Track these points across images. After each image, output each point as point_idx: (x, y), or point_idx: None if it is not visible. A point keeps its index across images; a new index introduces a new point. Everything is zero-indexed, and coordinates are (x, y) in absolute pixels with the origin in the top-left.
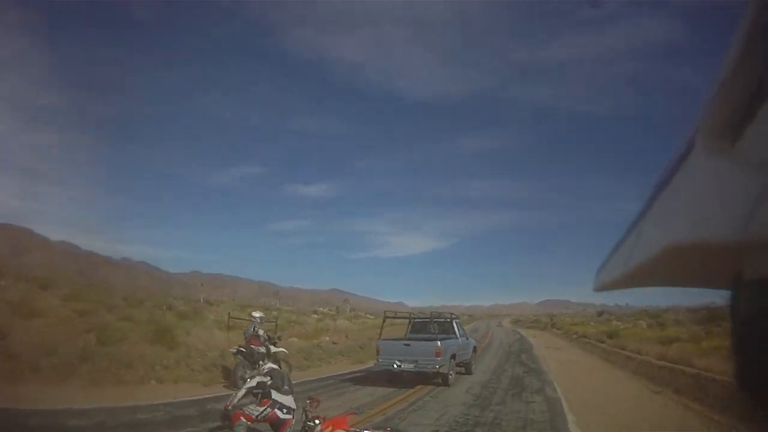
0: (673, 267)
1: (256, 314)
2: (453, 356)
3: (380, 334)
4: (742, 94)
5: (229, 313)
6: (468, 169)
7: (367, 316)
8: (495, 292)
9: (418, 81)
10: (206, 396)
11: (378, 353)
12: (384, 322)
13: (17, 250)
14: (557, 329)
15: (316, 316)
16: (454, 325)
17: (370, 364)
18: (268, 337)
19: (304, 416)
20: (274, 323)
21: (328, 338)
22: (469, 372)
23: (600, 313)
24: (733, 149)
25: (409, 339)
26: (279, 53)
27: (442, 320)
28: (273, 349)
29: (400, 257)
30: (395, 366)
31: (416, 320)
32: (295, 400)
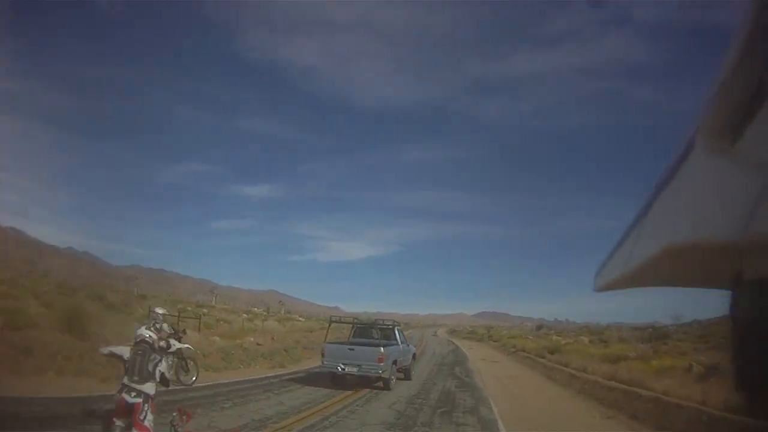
0: (673, 267)
1: (159, 310)
2: (395, 362)
3: (326, 338)
4: (742, 94)
5: (149, 307)
6: (412, 178)
7: (299, 318)
8: (432, 301)
9: (369, 89)
10: (99, 393)
11: (323, 356)
12: (330, 326)
13: None
14: (494, 341)
15: (246, 315)
16: (396, 331)
17: (292, 368)
18: (174, 332)
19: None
20: (177, 317)
21: (252, 339)
22: (408, 378)
23: (539, 327)
24: (733, 149)
25: (353, 344)
26: (232, 52)
27: (384, 326)
28: (176, 344)
29: (339, 262)
30: (339, 369)
31: (359, 325)
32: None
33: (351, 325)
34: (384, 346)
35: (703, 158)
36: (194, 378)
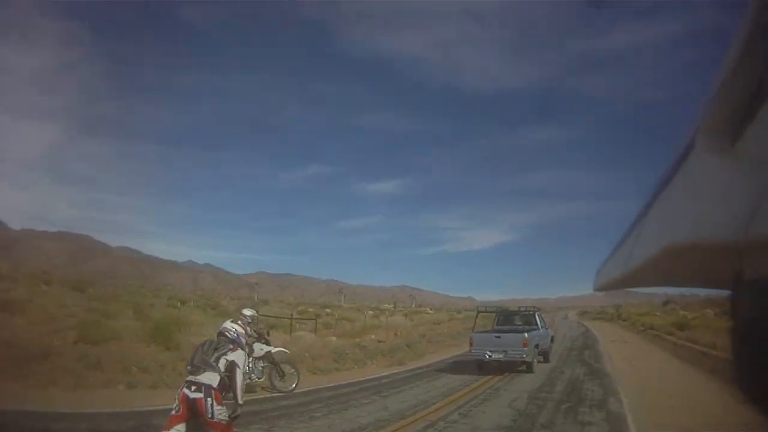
0: (673, 267)
1: (247, 312)
2: (536, 345)
3: (473, 328)
4: (743, 94)
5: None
6: (533, 160)
7: (428, 311)
8: (562, 284)
9: (476, 74)
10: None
11: (471, 345)
12: (477, 316)
13: (77, 257)
14: (623, 320)
15: (371, 312)
16: (536, 317)
17: (412, 365)
18: (258, 335)
19: None
20: (264, 321)
21: (374, 336)
22: (546, 360)
23: (665, 303)
24: (733, 149)
25: (498, 331)
26: (338, 52)
27: (526, 312)
28: (263, 348)
29: (469, 252)
30: (487, 356)
31: (502, 314)
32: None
33: (494, 314)
34: (527, 332)
35: (703, 158)
36: (294, 384)
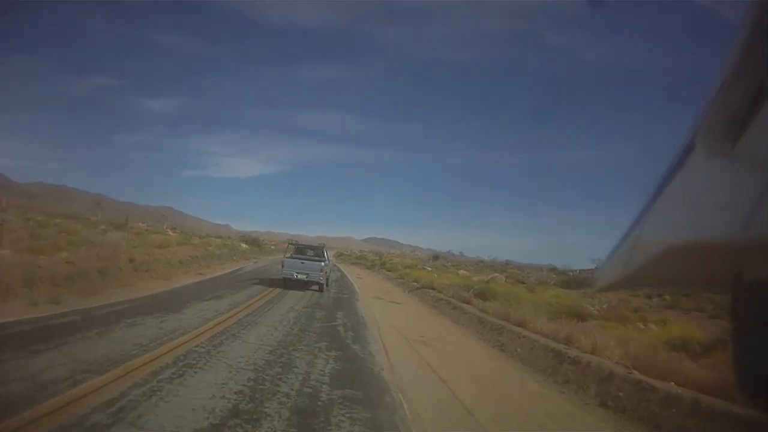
0: (673, 267)
1: None
2: (326, 272)
3: (284, 254)
4: (743, 95)
5: None
6: (308, 99)
7: (168, 232)
8: (320, 223)
9: (277, 7)
10: None
11: (283, 267)
12: (287, 247)
13: None
14: (388, 271)
15: (104, 227)
16: (325, 251)
17: (76, 303)
18: None
19: None
20: None
21: (66, 254)
22: (327, 285)
23: (435, 257)
24: (733, 150)
25: (302, 259)
26: None
27: (317, 247)
28: None
29: (231, 179)
30: (294, 276)
31: (298, 245)
32: None
33: (289, 245)
34: (322, 261)
35: (703, 158)
36: None
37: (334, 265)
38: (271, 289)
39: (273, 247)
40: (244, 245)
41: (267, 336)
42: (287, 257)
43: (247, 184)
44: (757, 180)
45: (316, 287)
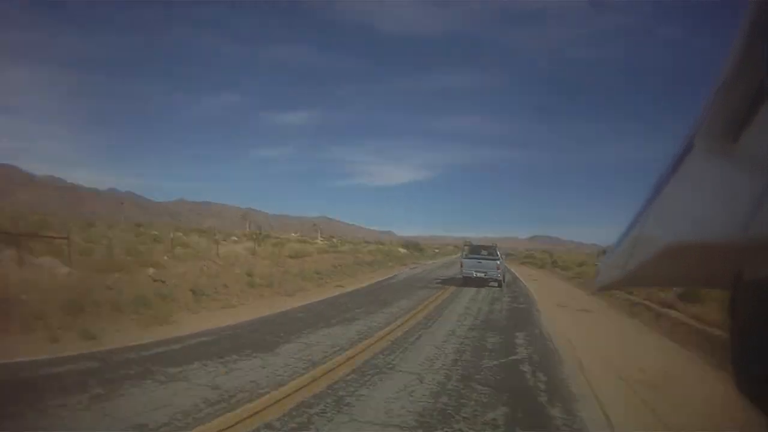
0: (673, 267)
1: None
2: (502, 269)
3: (461, 254)
4: (743, 95)
5: None
6: (450, 104)
7: (317, 240)
8: (483, 225)
9: (396, 16)
10: None
11: (462, 267)
12: (464, 246)
13: (4, 189)
14: (562, 270)
15: (235, 239)
16: (497, 250)
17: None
18: None
19: None
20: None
21: (152, 271)
22: (503, 281)
23: (603, 252)
24: (733, 149)
25: (479, 258)
26: None
27: (489, 246)
28: None
29: (385, 186)
30: (474, 274)
31: (472, 246)
32: None
33: (464, 246)
34: (498, 260)
35: (703, 158)
36: None
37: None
38: (425, 303)
39: (436, 251)
40: (402, 250)
41: (401, 399)
42: (464, 257)
43: (403, 190)
44: (757, 180)
45: (495, 284)
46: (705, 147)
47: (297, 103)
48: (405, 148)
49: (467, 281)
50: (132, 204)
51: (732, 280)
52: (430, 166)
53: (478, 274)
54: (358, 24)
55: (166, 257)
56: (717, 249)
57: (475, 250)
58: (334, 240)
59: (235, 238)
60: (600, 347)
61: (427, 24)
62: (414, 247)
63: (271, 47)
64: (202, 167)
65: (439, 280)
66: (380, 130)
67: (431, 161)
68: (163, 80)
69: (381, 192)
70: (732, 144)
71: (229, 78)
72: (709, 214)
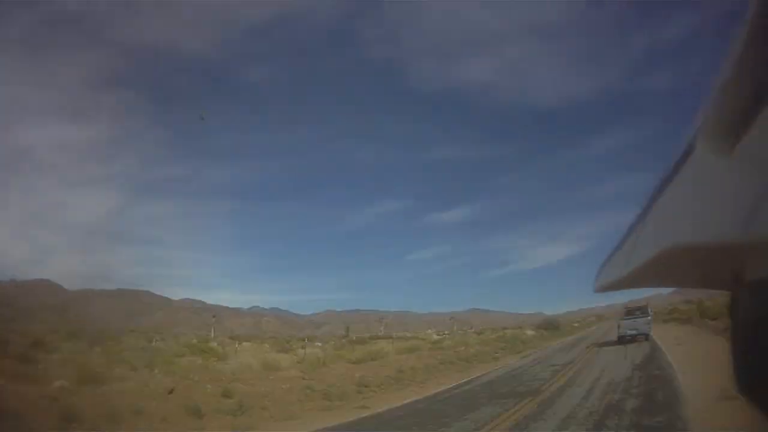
0: (673, 267)
1: None
2: (650, 324)
3: (620, 319)
4: (743, 95)
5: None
6: (600, 168)
7: (433, 335)
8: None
9: (541, 91)
10: None
11: (619, 327)
12: (624, 313)
13: (134, 311)
14: (713, 320)
15: (319, 344)
16: (648, 309)
17: None
18: None
19: None
20: None
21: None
22: (647, 337)
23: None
24: (734, 150)
25: (633, 318)
26: (404, 89)
27: (641, 306)
28: None
29: (537, 268)
30: (628, 333)
31: (628, 308)
32: None
33: (624, 308)
34: (648, 316)
35: (703, 159)
36: None
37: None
38: None
39: (575, 325)
40: (528, 332)
41: None
42: (622, 320)
43: (556, 268)
44: (757, 180)
45: (643, 337)
46: (705, 147)
47: (451, 200)
48: (560, 224)
49: (622, 340)
50: (274, 318)
51: (732, 281)
52: (585, 237)
53: (631, 332)
54: (509, 104)
55: None
56: (717, 249)
57: (630, 312)
58: (446, 333)
59: (319, 344)
60: None
61: (574, 89)
62: (548, 325)
63: (426, 149)
64: (350, 276)
65: (524, 384)
66: (533, 212)
67: (585, 233)
68: (309, 198)
69: (534, 274)
70: (732, 144)
71: (384, 186)
72: (710, 215)
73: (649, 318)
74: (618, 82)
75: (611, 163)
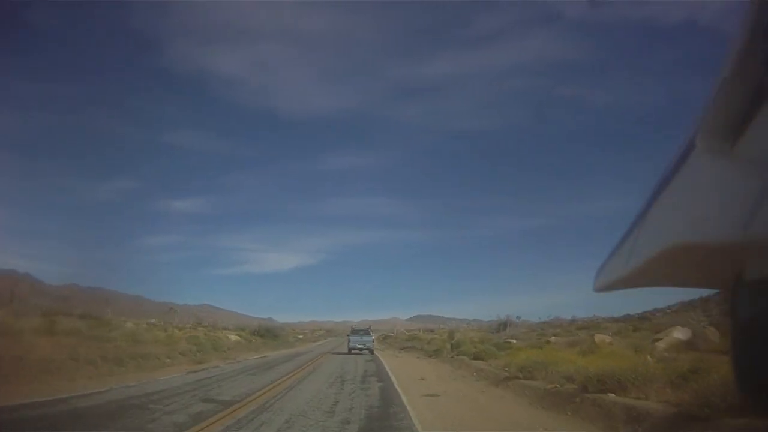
0: (673, 267)
1: None
2: (373, 342)
3: (349, 333)
4: (743, 95)
5: None
6: (336, 186)
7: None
8: (363, 307)
9: (293, 98)
10: None
11: (349, 341)
12: (350, 332)
13: None
14: (474, 359)
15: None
16: (369, 331)
17: None
18: None
19: None
20: None
21: None
22: (371, 352)
23: (503, 326)
24: (734, 149)
25: (358, 335)
26: (159, 67)
27: (365, 329)
28: None
29: (269, 273)
30: (357, 346)
31: (353, 329)
32: None
33: (351, 329)
34: (371, 336)
35: (703, 158)
36: None
37: (367, 359)
38: None
39: (300, 337)
40: (233, 336)
41: None
42: (350, 335)
43: (287, 277)
44: (757, 180)
45: (368, 351)
46: (705, 147)
47: (188, 190)
48: (288, 234)
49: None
50: (27, 286)
51: (732, 280)
52: (312, 251)
53: (359, 346)
54: (256, 105)
55: None
56: (717, 249)
57: (356, 332)
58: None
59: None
60: None
61: (324, 105)
62: (265, 332)
63: (169, 133)
64: (94, 252)
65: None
66: (267, 217)
67: (314, 246)
68: (61, 163)
69: (264, 279)
70: (732, 144)
71: (121, 164)
72: (709, 214)
73: (373, 338)
74: (367, 107)
75: (347, 183)
